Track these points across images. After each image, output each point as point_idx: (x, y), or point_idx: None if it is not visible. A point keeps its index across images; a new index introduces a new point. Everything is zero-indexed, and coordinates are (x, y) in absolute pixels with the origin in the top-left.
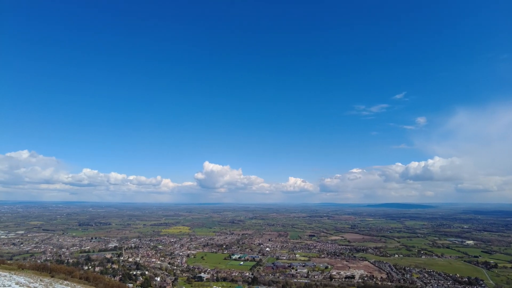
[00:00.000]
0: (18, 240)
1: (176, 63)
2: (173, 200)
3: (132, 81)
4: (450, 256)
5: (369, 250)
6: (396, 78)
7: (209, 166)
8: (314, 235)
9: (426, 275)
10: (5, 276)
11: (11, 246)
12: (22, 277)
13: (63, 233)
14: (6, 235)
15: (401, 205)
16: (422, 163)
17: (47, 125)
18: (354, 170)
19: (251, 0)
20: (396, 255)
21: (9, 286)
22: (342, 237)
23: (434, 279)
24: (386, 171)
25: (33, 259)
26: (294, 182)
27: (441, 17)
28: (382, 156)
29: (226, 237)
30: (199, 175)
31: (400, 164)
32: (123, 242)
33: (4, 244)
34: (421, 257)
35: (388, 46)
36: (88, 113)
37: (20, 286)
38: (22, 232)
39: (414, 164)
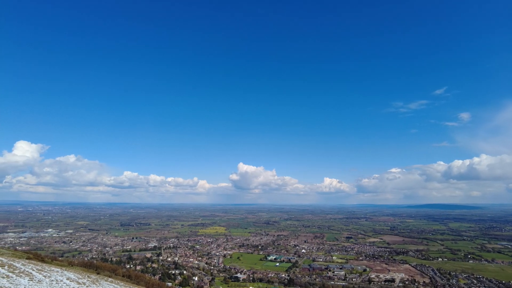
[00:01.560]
0: (67, 238)
1: (211, 69)
2: (209, 201)
3: (169, 88)
4: (502, 262)
5: (410, 252)
6: (436, 73)
7: (243, 167)
8: (351, 237)
9: (475, 281)
10: (57, 271)
11: (62, 244)
12: (72, 273)
13: (106, 233)
14: (57, 234)
15: (444, 206)
16: (467, 162)
17: (91, 131)
18: (393, 169)
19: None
20: (440, 259)
21: (61, 281)
22: (381, 239)
23: (484, 286)
24: (427, 170)
25: (80, 257)
26: (330, 182)
27: (484, 6)
28: (423, 155)
29: (262, 238)
30: (234, 176)
31: (442, 162)
32: (162, 242)
33: (56, 242)
34: (468, 261)
35: (425, 40)
36: (129, 119)
37: (70, 281)
38: (71, 231)
39: (457, 163)
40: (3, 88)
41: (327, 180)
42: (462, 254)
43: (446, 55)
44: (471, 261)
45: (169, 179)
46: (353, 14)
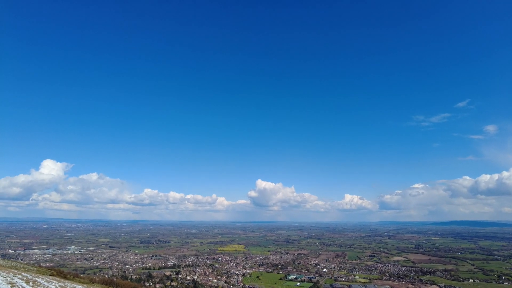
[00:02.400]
0: (89, 255)
1: (230, 88)
2: (228, 218)
3: (188, 108)
4: None
5: (437, 272)
6: (457, 86)
7: (261, 184)
8: (374, 256)
9: None
10: None
11: (83, 261)
12: None
13: (126, 250)
14: (79, 251)
15: (473, 222)
16: (496, 176)
17: (113, 149)
18: (416, 185)
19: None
20: (471, 280)
21: None
22: (405, 257)
23: None
24: (452, 186)
25: (101, 274)
26: (351, 199)
27: (506, 16)
28: (447, 169)
29: (281, 257)
30: (252, 193)
31: (468, 177)
32: (181, 260)
33: (78, 259)
34: (502, 283)
35: (445, 53)
36: (149, 137)
37: None
38: (92, 248)
39: (485, 177)
40: (33, 110)
41: (348, 197)
42: (496, 275)
43: (468, 67)
44: (506, 283)
45: (188, 196)
46: (374, 30)
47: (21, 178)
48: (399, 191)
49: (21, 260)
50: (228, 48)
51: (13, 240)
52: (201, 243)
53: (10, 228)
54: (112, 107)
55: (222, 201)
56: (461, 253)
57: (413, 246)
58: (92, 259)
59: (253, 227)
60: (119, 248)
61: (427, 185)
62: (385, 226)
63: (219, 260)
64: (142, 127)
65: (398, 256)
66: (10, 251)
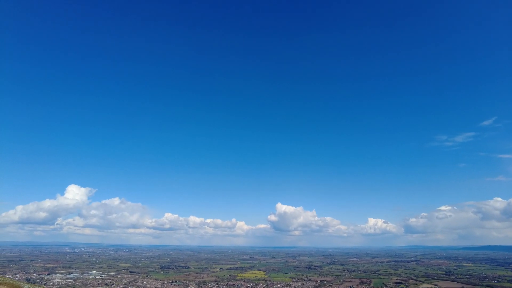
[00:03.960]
0: (109, 281)
1: (248, 111)
2: (248, 243)
3: (205, 130)
4: None
5: None
6: (482, 104)
7: (281, 207)
8: (401, 283)
9: None
10: None
11: (104, 287)
12: None
13: (147, 276)
14: (100, 276)
15: (508, 247)
16: None
17: (134, 174)
18: (443, 207)
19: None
20: None
21: None
22: (435, 285)
23: None
24: (483, 208)
25: None
26: (375, 223)
27: None
28: (476, 191)
29: (303, 284)
30: (272, 217)
31: (499, 199)
32: (201, 286)
33: (98, 284)
34: None
35: (468, 71)
36: (170, 163)
37: None
38: (113, 273)
39: None
40: (58, 136)
41: (371, 221)
42: None
43: (492, 84)
44: None
45: (208, 220)
46: (394, 53)
47: (47, 203)
48: (424, 214)
49: (45, 284)
50: (247, 71)
51: (37, 264)
52: (221, 268)
53: (36, 252)
54: (134, 133)
55: (242, 226)
56: (498, 281)
57: (443, 272)
58: (112, 284)
59: (274, 252)
60: (139, 273)
61: (455, 208)
62: (411, 251)
63: (239, 287)
64: (163, 152)
65: (428, 283)
66: (34, 276)
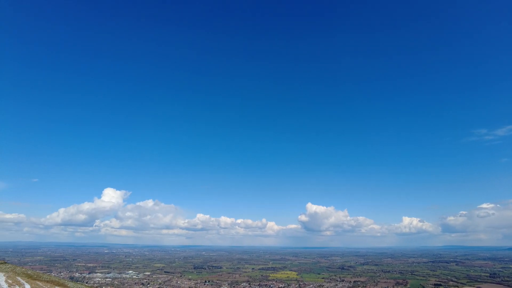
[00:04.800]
0: (145, 280)
1: (279, 113)
2: (279, 244)
3: (237, 132)
4: None
5: None
6: None
7: (312, 207)
8: (440, 284)
9: None
10: None
11: (141, 286)
12: None
13: (181, 276)
14: (137, 275)
15: None
16: None
17: (167, 176)
18: (484, 205)
19: None
20: None
21: None
22: (479, 287)
23: None
24: None
25: None
26: (409, 222)
27: None
28: None
29: (337, 284)
30: (303, 217)
31: None
32: (233, 286)
33: (135, 283)
34: None
35: (506, 58)
36: (201, 164)
37: None
38: (149, 273)
39: None
40: (94, 141)
41: (406, 220)
42: None
43: None
44: None
45: (239, 220)
46: (429, 51)
47: (86, 206)
48: (464, 212)
49: (86, 283)
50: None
51: (79, 264)
52: (252, 269)
53: (77, 252)
54: (167, 137)
55: (272, 226)
56: None
57: (488, 274)
58: (148, 284)
59: (305, 253)
60: (173, 273)
61: (498, 205)
62: (450, 251)
63: (271, 287)
64: (195, 155)
65: (470, 285)
66: (77, 274)
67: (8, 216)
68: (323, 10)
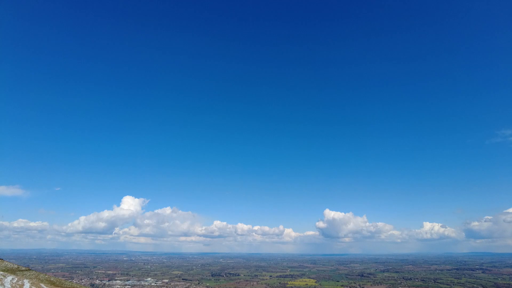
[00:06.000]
0: (164, 287)
1: (298, 119)
2: (296, 251)
3: (254, 139)
4: None
5: None
6: None
7: (330, 213)
8: None
9: None
10: None
11: None
12: None
13: (198, 283)
14: (155, 283)
15: None
16: None
17: (185, 183)
18: (511, 209)
19: None
20: None
21: None
22: None
23: None
24: None
25: None
26: (431, 227)
27: None
28: None
29: None
30: (321, 224)
31: None
32: None
33: None
34: None
35: None
36: (218, 170)
37: None
38: (167, 280)
39: None
40: (113, 150)
41: (427, 225)
42: None
43: None
44: None
45: (256, 227)
46: (443, 53)
47: (106, 214)
48: (489, 217)
49: None
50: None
51: (99, 271)
52: (270, 276)
53: (97, 259)
54: (184, 145)
55: (290, 233)
56: None
57: None
58: None
59: (324, 260)
60: (191, 280)
61: None
62: (475, 258)
63: None
64: (212, 162)
65: None
66: (97, 281)
67: (32, 224)
68: (333, 14)
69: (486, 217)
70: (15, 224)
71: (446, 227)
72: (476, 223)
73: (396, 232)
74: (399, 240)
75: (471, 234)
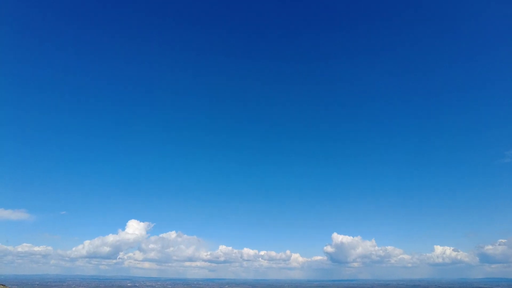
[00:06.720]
0: None
1: (303, 139)
2: (305, 276)
3: (257, 160)
4: None
5: None
6: None
7: (338, 238)
8: None
9: None
10: None
11: None
12: None
13: None
14: None
15: None
16: None
17: (190, 207)
18: None
19: None
20: None
21: None
22: None
23: None
24: None
25: None
26: (442, 251)
27: None
28: None
29: None
30: (329, 248)
31: None
32: None
33: None
34: None
35: None
36: (223, 194)
37: None
38: None
39: None
40: (119, 174)
41: (438, 249)
42: None
43: None
44: None
45: (262, 252)
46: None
47: (111, 238)
48: (503, 240)
49: None
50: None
51: None
52: None
53: (101, 285)
54: (187, 167)
55: (297, 258)
56: None
57: None
58: None
59: (332, 286)
60: None
61: None
62: (491, 284)
63: None
64: (217, 184)
65: None
66: None
67: (36, 248)
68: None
69: (500, 240)
70: (19, 249)
71: (458, 251)
72: (490, 246)
73: (406, 256)
74: (409, 265)
75: (486, 259)
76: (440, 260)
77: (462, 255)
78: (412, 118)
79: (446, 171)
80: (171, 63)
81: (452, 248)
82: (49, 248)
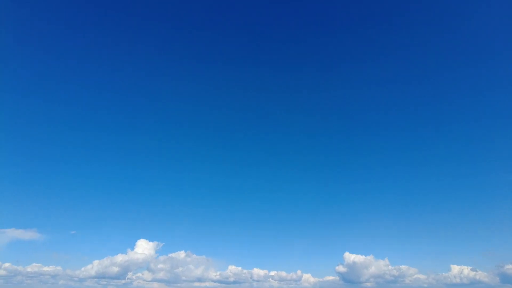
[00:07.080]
0: None
1: (313, 156)
2: None
3: (267, 180)
4: None
5: None
6: None
7: (350, 257)
8: None
9: None
10: None
11: None
12: None
13: None
14: None
15: None
16: None
17: (199, 226)
18: None
19: None
20: None
21: None
22: None
23: None
24: None
25: None
26: (459, 271)
27: None
28: None
29: None
30: (341, 268)
31: None
32: None
33: None
34: None
35: None
36: (233, 212)
37: None
38: None
39: None
40: (127, 191)
41: (455, 268)
42: None
43: None
44: None
45: (272, 273)
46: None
47: (119, 258)
48: None
49: None
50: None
51: None
52: None
53: None
54: (197, 187)
55: (308, 278)
56: None
57: None
58: None
59: None
60: None
61: None
62: None
63: None
64: (226, 203)
65: None
66: None
67: (46, 268)
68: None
69: None
70: (29, 269)
71: (477, 271)
72: (510, 266)
73: (421, 276)
74: (425, 285)
75: (506, 279)
76: (458, 280)
77: (481, 275)
78: (428, 130)
79: (463, 186)
80: (169, 70)
81: (470, 267)
82: (59, 268)
